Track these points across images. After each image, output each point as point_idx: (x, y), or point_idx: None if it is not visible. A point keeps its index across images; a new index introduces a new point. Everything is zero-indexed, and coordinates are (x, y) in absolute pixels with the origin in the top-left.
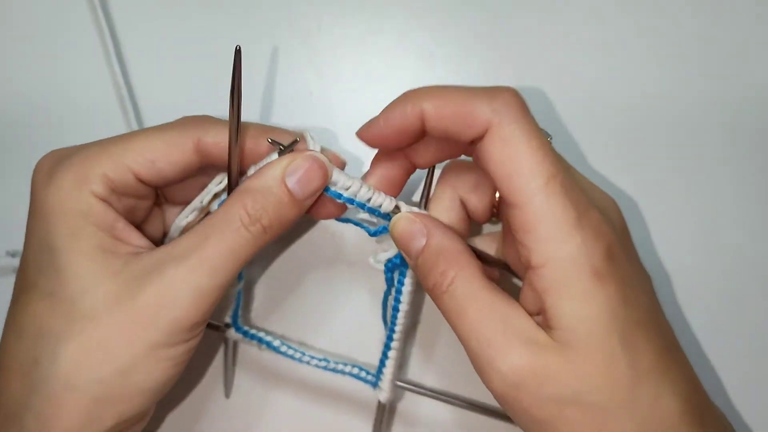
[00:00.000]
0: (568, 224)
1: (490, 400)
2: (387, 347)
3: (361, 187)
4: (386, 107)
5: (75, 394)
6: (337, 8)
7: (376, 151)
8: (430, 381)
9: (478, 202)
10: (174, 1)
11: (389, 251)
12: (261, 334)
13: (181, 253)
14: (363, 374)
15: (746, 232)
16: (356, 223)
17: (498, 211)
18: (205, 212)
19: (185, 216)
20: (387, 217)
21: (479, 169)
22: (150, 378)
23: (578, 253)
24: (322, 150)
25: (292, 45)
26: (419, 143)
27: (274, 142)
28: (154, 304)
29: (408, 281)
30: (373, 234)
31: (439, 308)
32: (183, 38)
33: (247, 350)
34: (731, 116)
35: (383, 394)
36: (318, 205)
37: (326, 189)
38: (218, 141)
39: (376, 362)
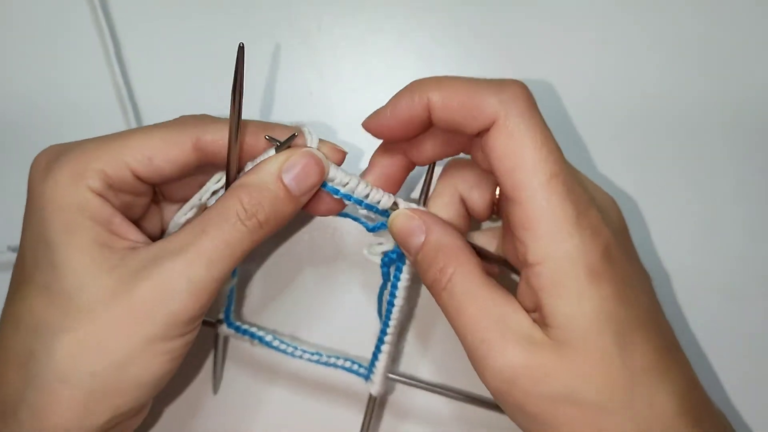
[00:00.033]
0: (568, 223)
1: (483, 392)
2: (380, 341)
3: (359, 183)
4: (393, 97)
5: (70, 387)
6: (337, 8)
7: (375, 147)
8: (423, 373)
9: (478, 199)
10: (174, 1)
11: (385, 244)
12: (253, 329)
13: (177, 247)
14: (355, 367)
15: (746, 232)
16: (355, 218)
17: (498, 208)
18: (203, 210)
19: (183, 213)
20: (385, 213)
21: (479, 166)
22: (146, 372)
23: (576, 252)
24: (321, 143)
25: (293, 45)
26: (418, 139)
27: (271, 139)
28: (151, 298)
29: (404, 276)
30: (371, 230)
31: (438, 304)
32: (183, 38)
33: (240, 346)
34: (731, 116)
35: (374, 387)
36: (315, 202)
37: (324, 185)
38: (217, 139)
39: (368, 356)
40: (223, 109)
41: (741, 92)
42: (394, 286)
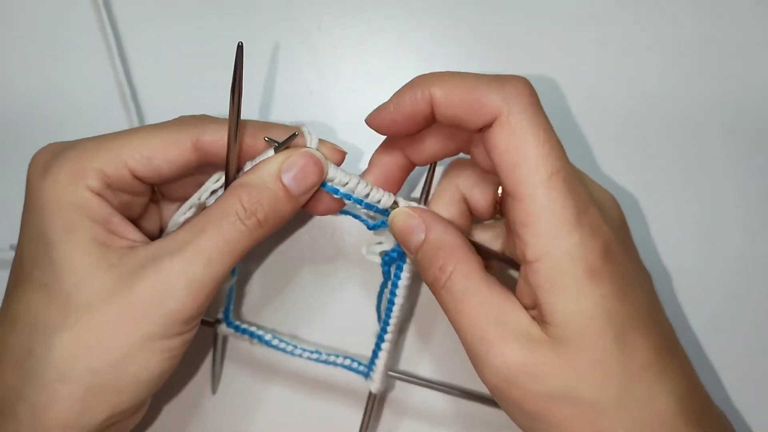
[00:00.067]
0: (567, 221)
1: (482, 389)
2: (380, 339)
3: (358, 183)
4: (396, 92)
5: (68, 384)
6: (337, 8)
7: (375, 147)
8: (423, 370)
9: (480, 198)
10: (176, 1)
11: (384, 243)
12: (252, 329)
13: (176, 246)
14: (355, 365)
15: (746, 232)
16: (355, 216)
17: (501, 207)
18: (202, 209)
19: (182, 212)
20: (385, 212)
21: (479, 165)
22: (145, 370)
23: (575, 250)
24: (320, 143)
25: (292, 45)
26: (418, 138)
27: (270, 140)
28: (150, 296)
29: (405, 275)
30: (372, 228)
31: (438, 302)
32: (185, 38)
33: (239, 345)
34: (731, 116)
35: (374, 385)
36: (314, 201)
37: (323, 184)
38: (216, 139)
39: (368, 354)
40: (225, 109)
41: (741, 92)
42: (395, 285)
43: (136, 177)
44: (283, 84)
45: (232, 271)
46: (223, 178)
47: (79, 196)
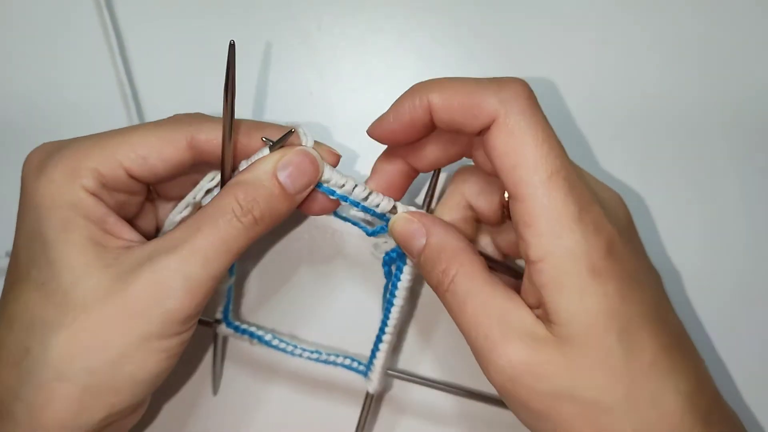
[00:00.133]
0: (569, 220)
1: (481, 388)
2: (379, 339)
3: (355, 185)
4: (395, 102)
5: (65, 384)
6: (337, 8)
7: (375, 148)
8: (423, 369)
9: (485, 205)
10: (177, 1)
11: (389, 242)
12: (252, 329)
13: (172, 245)
14: (354, 365)
15: (748, 232)
16: (354, 223)
17: (509, 211)
18: (198, 208)
19: (178, 212)
20: (383, 217)
21: (481, 168)
22: (142, 369)
23: (577, 248)
24: (316, 144)
25: (292, 45)
26: (420, 145)
27: (267, 140)
28: (146, 295)
29: (405, 277)
30: (371, 234)
31: (443, 304)
32: (185, 38)
33: (239, 345)
34: (731, 116)
35: (372, 385)
36: (309, 201)
37: (319, 185)
38: (211, 138)
39: (367, 353)
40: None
41: (741, 92)
42: (394, 286)
43: (131, 176)
44: (283, 84)
45: (231, 271)
46: (219, 177)
47: (74, 195)
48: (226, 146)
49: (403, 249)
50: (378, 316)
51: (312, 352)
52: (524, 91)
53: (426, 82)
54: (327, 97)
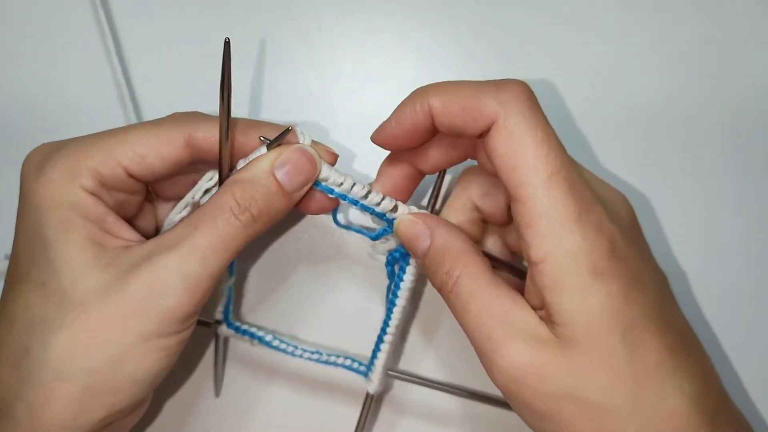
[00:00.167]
0: (569, 220)
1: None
2: (380, 339)
3: (354, 184)
4: (396, 108)
5: (65, 383)
6: (337, 8)
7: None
8: (425, 370)
9: (490, 206)
10: (175, 1)
11: (389, 241)
12: (253, 330)
13: (171, 243)
14: (355, 365)
15: (748, 232)
16: (357, 230)
17: None
18: (196, 208)
19: (177, 212)
20: (383, 216)
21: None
22: (141, 369)
23: (578, 249)
24: (313, 143)
25: (292, 45)
26: (424, 148)
27: (265, 139)
28: (145, 294)
29: (408, 277)
30: (374, 238)
31: (448, 305)
32: (183, 38)
33: (239, 346)
34: (731, 116)
35: (372, 385)
36: (308, 200)
37: (317, 184)
38: (209, 136)
39: (368, 354)
40: None
41: (741, 92)
42: (397, 286)
43: (130, 175)
44: (283, 84)
45: (231, 271)
46: (217, 176)
47: (73, 195)
48: (223, 144)
49: (408, 250)
50: (378, 315)
51: (312, 353)
52: (524, 92)
53: (426, 86)
54: (327, 97)
